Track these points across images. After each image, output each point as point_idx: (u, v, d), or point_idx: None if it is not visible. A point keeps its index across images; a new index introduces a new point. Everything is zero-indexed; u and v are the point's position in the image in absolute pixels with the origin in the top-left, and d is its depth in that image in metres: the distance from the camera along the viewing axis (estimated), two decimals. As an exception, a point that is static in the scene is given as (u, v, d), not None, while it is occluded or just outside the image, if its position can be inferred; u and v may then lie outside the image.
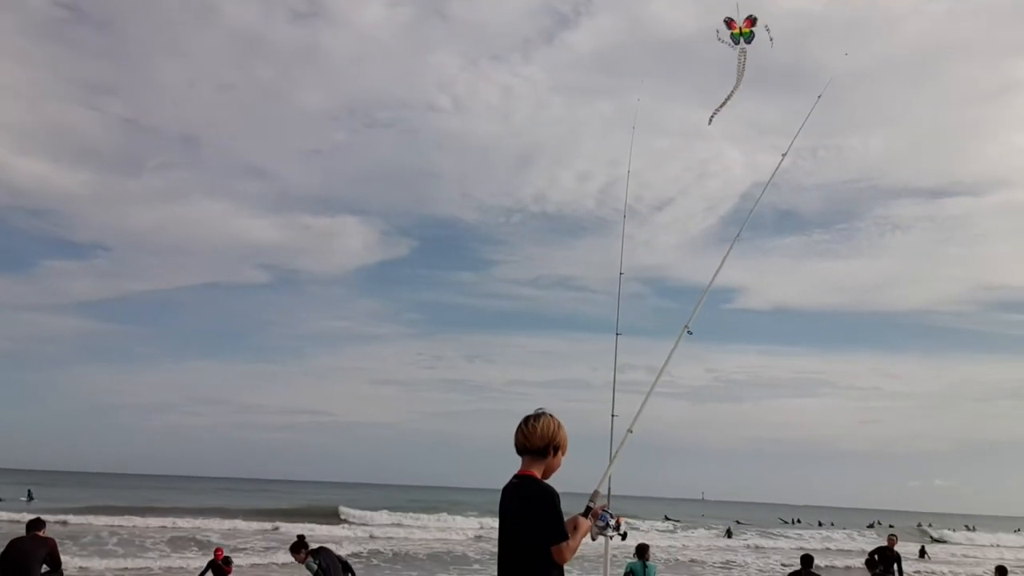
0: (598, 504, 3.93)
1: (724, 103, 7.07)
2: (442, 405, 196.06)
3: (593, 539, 3.91)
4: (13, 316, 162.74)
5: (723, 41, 7.13)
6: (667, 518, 61.56)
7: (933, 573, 31.15)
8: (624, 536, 5.23)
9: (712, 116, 7.20)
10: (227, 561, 14.59)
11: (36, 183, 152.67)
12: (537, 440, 3.63)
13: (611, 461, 4.50)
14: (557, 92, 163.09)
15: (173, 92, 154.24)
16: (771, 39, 7.09)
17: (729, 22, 7.14)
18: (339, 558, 13.19)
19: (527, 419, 3.69)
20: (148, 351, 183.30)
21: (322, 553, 13.08)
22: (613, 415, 5.61)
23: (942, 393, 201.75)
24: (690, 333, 5.49)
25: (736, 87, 7.06)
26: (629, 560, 14.12)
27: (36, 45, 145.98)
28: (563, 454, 3.70)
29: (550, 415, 3.70)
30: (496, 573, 3.62)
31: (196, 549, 25.01)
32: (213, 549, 15.09)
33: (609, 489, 5.92)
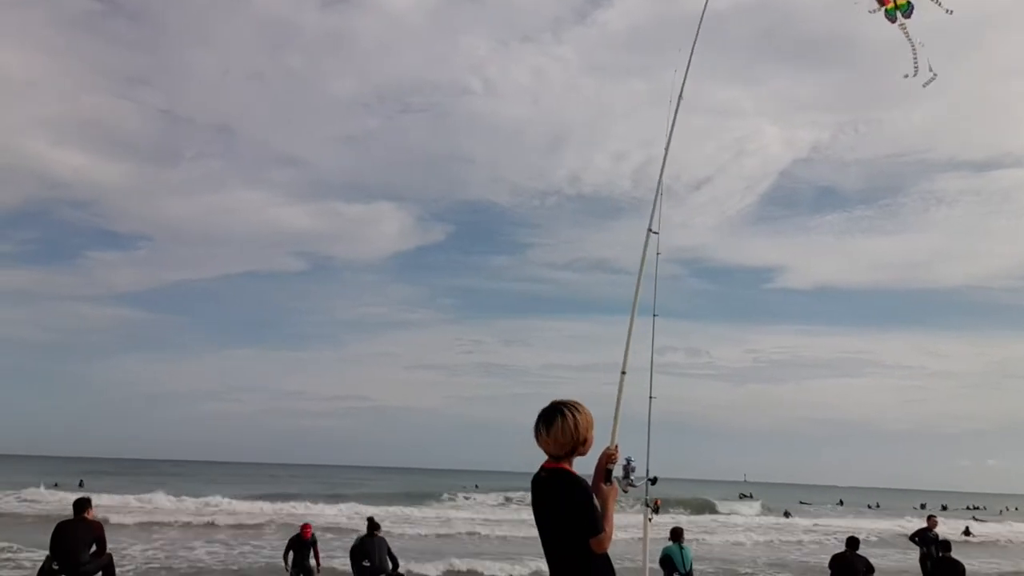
0: (620, 461, 3.80)
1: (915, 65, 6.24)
2: (480, 389, 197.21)
3: (625, 491, 3.78)
4: (58, 307, 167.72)
5: (874, 12, 6.28)
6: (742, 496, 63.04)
7: (978, 547, 30.52)
8: (654, 481, 5.11)
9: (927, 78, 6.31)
10: (313, 540, 14.70)
11: (76, 175, 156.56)
12: (557, 449, 3.45)
13: (616, 415, 4.36)
14: (589, 72, 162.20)
15: (207, 82, 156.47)
16: (947, 10, 6.13)
17: None
18: (389, 549, 13.38)
19: (538, 428, 3.48)
20: (188, 340, 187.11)
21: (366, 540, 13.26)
22: (651, 396, 5.50)
23: (989, 371, 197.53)
24: (655, 233, 5.26)
25: (917, 61, 6.25)
26: (665, 545, 14.07)
27: (71, 38, 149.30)
28: (591, 436, 3.50)
29: (562, 413, 3.45)
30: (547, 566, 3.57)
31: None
32: (301, 526, 15.15)
33: (648, 470, 5.84)
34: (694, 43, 5.85)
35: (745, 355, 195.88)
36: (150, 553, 19.93)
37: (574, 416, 3.45)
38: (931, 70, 6.22)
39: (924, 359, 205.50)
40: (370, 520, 13.87)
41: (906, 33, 6.21)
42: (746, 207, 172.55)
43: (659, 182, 5.51)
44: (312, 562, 14.55)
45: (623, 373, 4.77)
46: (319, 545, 14.92)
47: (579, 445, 3.48)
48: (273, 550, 21.42)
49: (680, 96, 5.75)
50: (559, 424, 3.44)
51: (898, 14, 6.23)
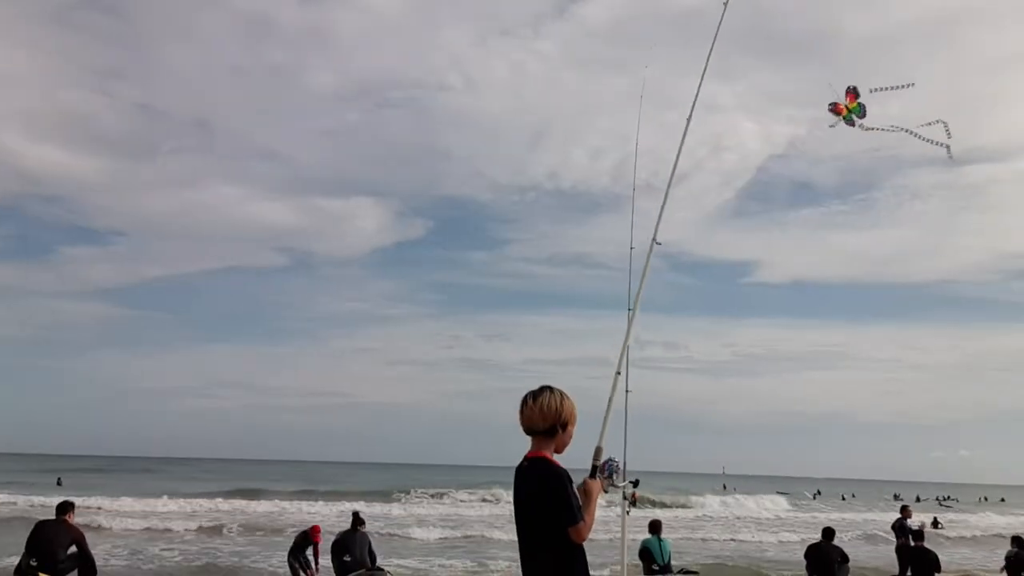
0: (603, 460, 3.87)
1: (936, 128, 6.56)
2: (461, 385, 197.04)
3: (605, 491, 3.85)
4: (33, 303, 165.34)
5: (835, 126, 6.63)
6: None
7: (948, 539, 31.02)
8: (636, 484, 5.21)
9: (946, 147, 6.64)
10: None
11: (50, 170, 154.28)
12: (540, 420, 3.52)
13: (606, 416, 4.43)
14: (569, 67, 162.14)
15: (185, 76, 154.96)
16: (903, 86, 6.52)
17: (835, 107, 6.61)
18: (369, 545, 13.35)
19: (526, 399, 3.56)
20: (167, 336, 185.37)
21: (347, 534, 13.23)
22: (627, 390, 5.58)
23: (963, 364, 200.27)
24: (659, 244, 5.36)
25: (917, 135, 6.52)
26: (643, 537, 14.19)
27: (47, 32, 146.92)
28: (572, 426, 3.59)
29: (551, 389, 3.56)
30: (519, 557, 3.60)
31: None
32: (311, 526, 14.81)
33: (625, 463, 5.94)
34: (708, 59, 5.92)
35: (723, 349, 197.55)
36: (115, 551, 19.66)
37: (561, 396, 3.57)
38: (947, 137, 6.44)
39: (899, 352, 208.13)
40: (355, 515, 13.81)
41: (880, 129, 6.47)
42: (724, 202, 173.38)
43: (666, 194, 5.59)
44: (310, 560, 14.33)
45: (617, 373, 4.82)
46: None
47: (562, 426, 3.54)
48: (238, 547, 21.35)
49: (689, 119, 5.86)
50: (547, 396, 3.54)
51: (854, 117, 6.57)
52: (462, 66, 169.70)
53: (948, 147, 6.61)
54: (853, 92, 6.60)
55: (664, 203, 5.61)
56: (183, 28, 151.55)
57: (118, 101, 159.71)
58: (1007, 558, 15.66)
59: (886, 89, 6.47)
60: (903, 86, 6.47)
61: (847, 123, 6.61)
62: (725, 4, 6.08)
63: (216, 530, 25.64)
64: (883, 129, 6.50)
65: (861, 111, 6.61)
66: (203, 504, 34.07)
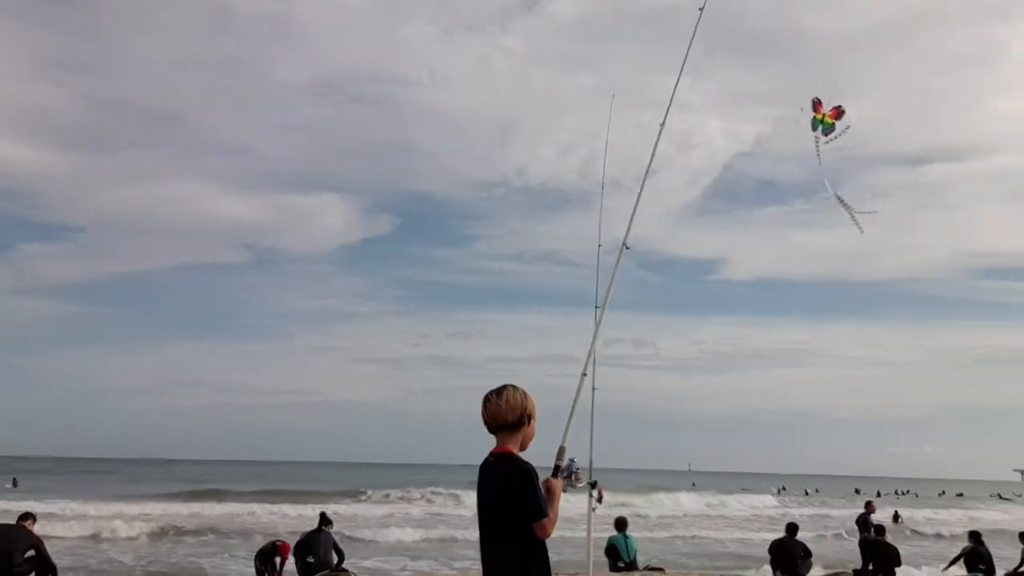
0: (565, 460, 3.91)
1: (846, 207, 6.69)
2: (429, 382, 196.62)
3: (565, 491, 3.86)
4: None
5: (803, 114, 6.67)
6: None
7: (911, 534, 31.61)
8: (594, 485, 5.23)
9: (857, 224, 6.78)
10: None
11: (8, 164, 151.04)
12: (507, 412, 3.56)
13: (571, 413, 4.42)
14: (536, 63, 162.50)
15: (146, 69, 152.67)
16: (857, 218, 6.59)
17: (816, 104, 6.63)
18: (334, 543, 13.22)
19: (488, 396, 3.60)
20: (129, 334, 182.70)
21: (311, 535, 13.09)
22: (593, 387, 5.57)
23: (925, 360, 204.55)
24: (628, 248, 5.51)
25: (829, 189, 6.63)
26: (609, 535, 14.25)
27: (4, 23, 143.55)
28: (534, 424, 3.63)
29: (513, 386, 3.61)
30: (480, 553, 3.59)
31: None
32: (283, 543, 14.34)
33: (591, 460, 5.94)
34: (683, 64, 5.93)
35: (690, 346, 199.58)
36: (64, 556, 18.98)
37: (523, 392, 3.61)
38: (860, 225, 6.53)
39: (863, 349, 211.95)
40: (322, 515, 13.69)
41: (817, 151, 6.59)
42: (691, 200, 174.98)
43: (636, 203, 5.59)
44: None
45: (584, 375, 4.82)
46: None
47: (526, 420, 3.58)
48: (196, 551, 20.94)
49: (663, 124, 5.86)
50: (510, 392, 3.59)
51: (819, 127, 6.64)
52: (429, 61, 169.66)
53: (860, 227, 6.73)
54: (837, 110, 6.60)
55: (635, 208, 5.61)
56: (145, 20, 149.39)
57: (78, 94, 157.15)
58: (963, 552, 15.97)
59: (837, 137, 6.55)
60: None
61: (812, 126, 6.62)
62: (701, 9, 6.10)
63: (172, 533, 25.08)
64: (819, 163, 6.58)
65: (831, 129, 6.66)
66: (161, 506, 33.46)
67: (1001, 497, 75.68)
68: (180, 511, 31.57)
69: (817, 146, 6.60)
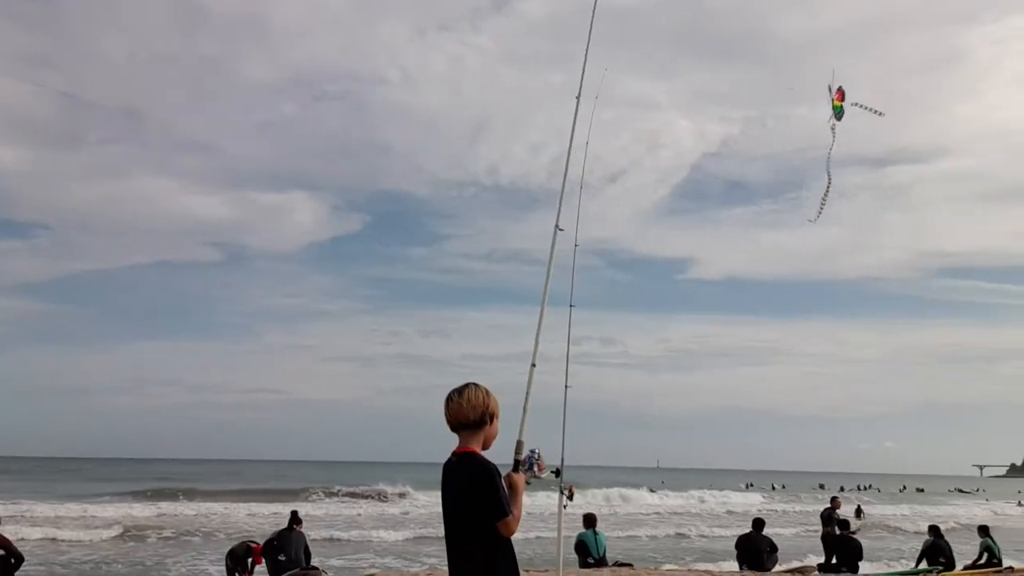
0: (524, 453, 3.92)
1: (826, 194, 6.79)
2: (399, 381, 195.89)
3: (528, 483, 3.85)
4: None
5: (824, 104, 6.76)
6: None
7: (873, 528, 32.17)
8: (557, 473, 5.26)
9: (819, 210, 6.88)
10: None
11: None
12: (469, 412, 3.55)
13: (525, 404, 4.47)
14: (507, 62, 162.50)
15: (113, 64, 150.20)
16: (876, 112, 6.70)
17: (837, 93, 6.77)
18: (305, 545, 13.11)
19: (451, 396, 3.59)
20: (95, 332, 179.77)
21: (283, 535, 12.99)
22: (567, 385, 5.62)
23: (888, 359, 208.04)
24: (561, 230, 5.53)
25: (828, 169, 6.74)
26: (579, 531, 14.34)
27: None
28: (498, 420, 3.63)
29: (475, 384, 3.61)
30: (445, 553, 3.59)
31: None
32: (256, 545, 13.65)
33: (563, 458, 5.99)
34: (587, 47, 5.96)
35: (658, 344, 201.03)
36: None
37: (485, 390, 3.60)
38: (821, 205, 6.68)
39: (828, 347, 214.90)
40: (293, 514, 13.54)
41: (832, 140, 6.59)
42: (659, 199, 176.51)
43: (563, 183, 5.62)
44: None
45: (533, 366, 4.83)
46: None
47: (488, 418, 3.58)
48: (159, 552, 20.58)
49: (579, 96, 5.83)
50: (472, 390, 3.57)
51: (833, 116, 6.83)
52: (400, 60, 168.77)
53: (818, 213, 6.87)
54: (841, 91, 6.74)
55: (562, 190, 5.57)
56: (113, 16, 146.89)
57: (43, 89, 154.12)
58: (924, 546, 16.31)
59: (863, 107, 6.68)
60: (878, 113, 6.69)
61: (833, 112, 6.76)
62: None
63: (138, 533, 24.64)
64: (832, 143, 6.69)
65: (840, 113, 6.84)
66: (129, 506, 33.01)
67: (960, 491, 77.20)
68: (148, 511, 31.16)
69: (833, 132, 6.70)
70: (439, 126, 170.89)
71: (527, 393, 4.54)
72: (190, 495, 39.99)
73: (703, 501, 46.56)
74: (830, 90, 6.83)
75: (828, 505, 18.43)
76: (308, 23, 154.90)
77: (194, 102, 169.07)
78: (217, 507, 33.78)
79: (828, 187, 6.92)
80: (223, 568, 13.95)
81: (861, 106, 6.72)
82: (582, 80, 5.68)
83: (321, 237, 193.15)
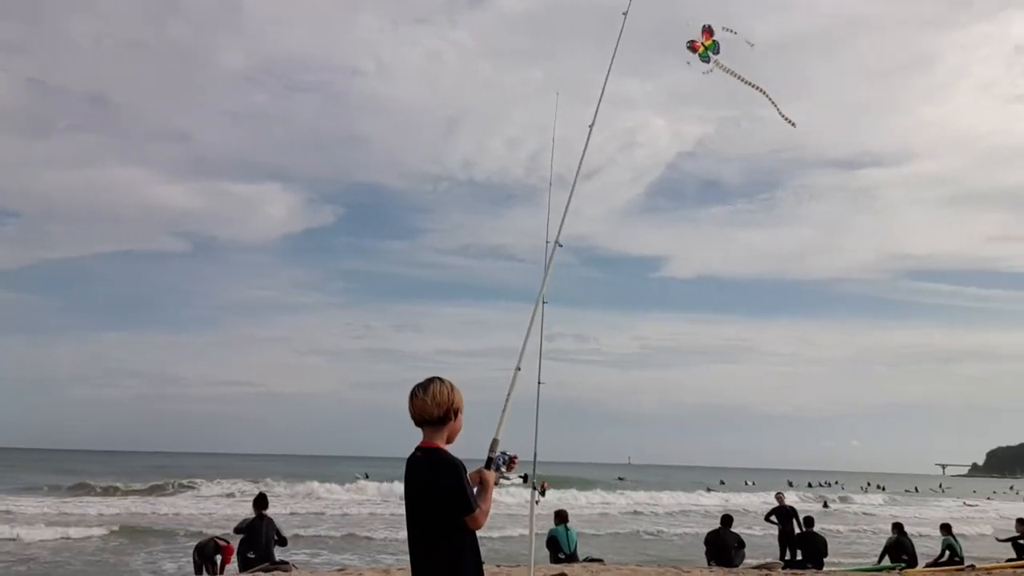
0: (497, 451, 3.96)
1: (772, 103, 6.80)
2: (371, 375, 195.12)
3: (497, 484, 3.91)
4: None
5: (695, 62, 6.78)
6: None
7: (838, 524, 32.64)
8: (525, 479, 5.31)
9: (786, 117, 6.91)
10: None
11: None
12: (433, 408, 3.56)
13: (506, 405, 4.50)
14: (484, 56, 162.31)
15: (83, 51, 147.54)
16: (749, 43, 6.76)
17: (692, 44, 6.78)
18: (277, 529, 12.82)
19: (415, 391, 3.60)
20: (62, 322, 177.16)
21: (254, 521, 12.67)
22: (539, 382, 5.65)
23: (854, 358, 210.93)
24: (560, 246, 5.66)
25: (761, 89, 6.77)
26: (550, 527, 14.40)
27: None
28: (462, 415, 3.65)
29: (440, 379, 3.62)
30: (408, 549, 3.60)
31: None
32: (227, 545, 13.20)
33: (535, 454, 6.03)
34: (610, 65, 6.03)
35: (632, 341, 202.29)
36: None
37: (451, 386, 3.62)
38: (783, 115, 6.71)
39: (797, 347, 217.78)
40: (259, 498, 13.09)
41: (731, 73, 6.64)
42: (634, 197, 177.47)
43: (567, 203, 5.67)
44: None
45: (517, 369, 4.86)
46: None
47: (452, 414, 3.59)
48: (114, 549, 20.16)
49: (592, 124, 5.95)
50: (437, 386, 3.58)
51: (710, 54, 6.75)
52: (376, 52, 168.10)
53: (791, 122, 6.96)
54: (708, 30, 6.81)
55: (567, 207, 5.70)
56: (85, 2, 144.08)
57: (10, 75, 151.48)
58: (888, 543, 16.59)
59: (734, 32, 6.72)
60: (749, 44, 6.74)
61: (703, 60, 6.81)
62: (624, 14, 6.18)
63: (100, 528, 23.74)
64: (737, 76, 6.72)
65: (716, 48, 6.80)
66: (93, 500, 32.61)
67: (916, 491, 78.54)
68: (107, 506, 30.70)
69: (725, 68, 6.72)
70: (415, 119, 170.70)
71: (508, 395, 4.57)
72: (162, 490, 39.52)
73: (663, 497, 46.90)
74: (693, 42, 6.79)
75: (776, 504, 18.50)
76: (283, 12, 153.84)
77: (165, 90, 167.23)
78: (180, 501, 33.47)
79: (766, 94, 6.89)
80: (181, 566, 13.44)
81: (729, 30, 6.73)
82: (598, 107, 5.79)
83: (294, 229, 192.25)
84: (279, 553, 12.84)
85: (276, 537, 12.66)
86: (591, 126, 6.05)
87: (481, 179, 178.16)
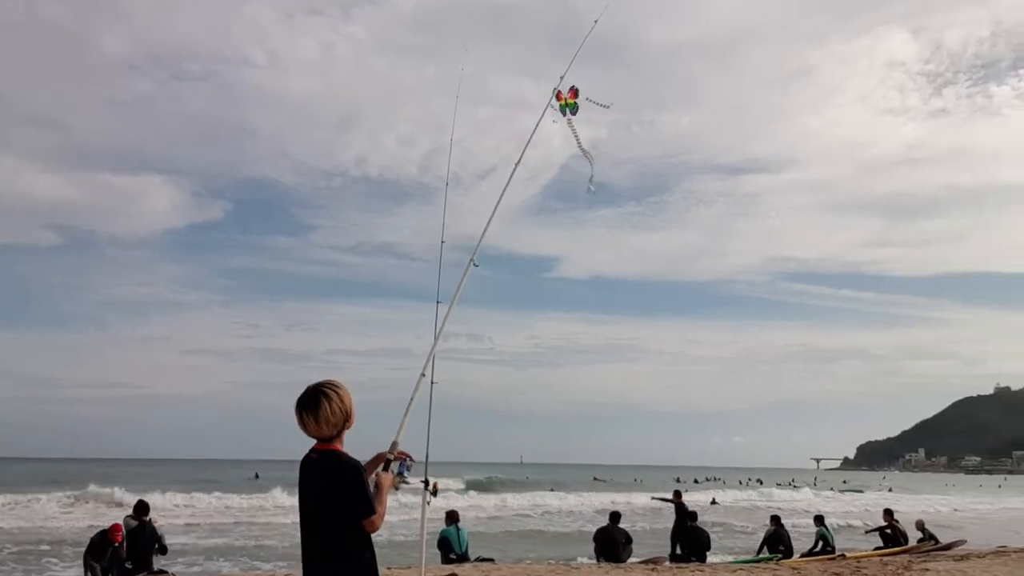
0: (395, 453, 3.92)
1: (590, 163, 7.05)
2: (260, 375, 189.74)
3: (397, 489, 3.87)
4: None
5: (554, 108, 7.07)
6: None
7: (725, 517, 33.94)
8: (427, 484, 5.28)
9: (589, 185, 7.16)
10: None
11: None
12: (327, 429, 3.46)
13: (407, 410, 4.47)
14: (379, 52, 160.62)
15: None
16: (602, 105, 7.08)
17: (557, 94, 7.08)
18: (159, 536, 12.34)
19: (303, 414, 3.45)
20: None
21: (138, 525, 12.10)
22: (432, 381, 5.60)
23: (738, 358, 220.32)
24: (476, 266, 5.80)
25: (587, 155, 7.04)
26: (441, 528, 14.38)
27: None
28: (354, 413, 3.55)
29: (324, 394, 3.45)
30: (300, 554, 3.51)
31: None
32: (111, 524, 12.45)
33: (427, 454, 5.97)
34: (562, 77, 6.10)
35: (525, 341, 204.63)
36: None
37: (337, 393, 3.48)
38: (591, 181, 7.12)
39: (685, 346, 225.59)
40: (139, 504, 12.57)
41: (572, 131, 6.93)
42: (529, 198, 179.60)
43: (487, 223, 5.72)
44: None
45: (422, 375, 4.80)
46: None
47: (347, 421, 3.51)
48: None
49: (517, 163, 6.06)
50: (326, 407, 3.45)
51: (567, 111, 7.08)
52: (267, 42, 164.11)
53: (592, 184, 7.30)
54: (574, 91, 7.15)
55: (485, 229, 5.79)
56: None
57: None
58: (766, 535, 17.36)
59: (593, 102, 7.10)
60: (604, 106, 7.13)
61: (560, 111, 7.11)
62: (596, 21, 6.31)
63: None
64: (576, 138, 7.10)
65: (575, 109, 7.12)
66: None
67: (793, 485, 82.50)
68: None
69: (572, 128, 7.08)
70: (307, 113, 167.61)
71: (411, 399, 4.53)
72: (32, 501, 37.05)
73: (555, 496, 47.57)
74: (559, 92, 7.19)
75: (672, 500, 19.06)
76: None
77: (42, 76, 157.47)
78: (58, 509, 31.62)
79: (591, 168, 7.34)
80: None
81: (591, 101, 7.17)
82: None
83: (177, 223, 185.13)
84: (158, 562, 12.41)
85: (157, 545, 12.26)
86: (516, 164, 6.09)
87: (375, 175, 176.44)
